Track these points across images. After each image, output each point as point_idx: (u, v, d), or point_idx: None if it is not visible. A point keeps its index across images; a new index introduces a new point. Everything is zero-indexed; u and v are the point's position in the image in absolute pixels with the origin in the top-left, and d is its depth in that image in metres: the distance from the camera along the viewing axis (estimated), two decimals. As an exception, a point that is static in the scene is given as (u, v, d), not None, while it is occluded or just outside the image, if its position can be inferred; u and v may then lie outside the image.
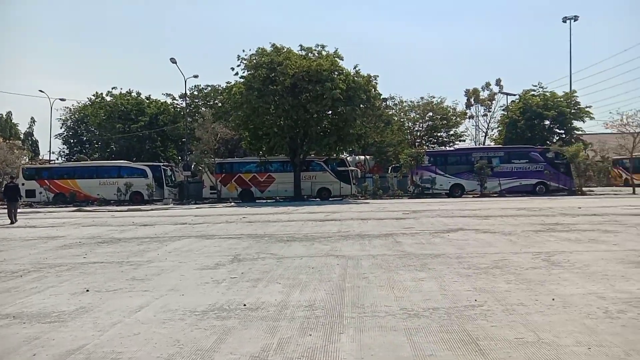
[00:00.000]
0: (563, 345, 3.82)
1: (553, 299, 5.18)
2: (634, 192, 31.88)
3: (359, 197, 32.70)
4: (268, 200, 31.79)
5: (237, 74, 30.85)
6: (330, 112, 30.73)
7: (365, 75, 30.86)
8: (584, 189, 33.32)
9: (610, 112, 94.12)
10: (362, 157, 40.50)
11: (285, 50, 30.56)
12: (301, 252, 9.02)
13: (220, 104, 38.25)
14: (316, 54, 30.85)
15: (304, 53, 30.93)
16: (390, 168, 38.02)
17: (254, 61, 29.86)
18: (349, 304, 5.24)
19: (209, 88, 46.01)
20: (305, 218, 16.66)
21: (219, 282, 6.61)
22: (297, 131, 30.50)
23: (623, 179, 40.39)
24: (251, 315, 4.96)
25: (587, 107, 40.75)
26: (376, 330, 4.35)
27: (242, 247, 9.90)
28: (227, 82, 33.94)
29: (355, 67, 30.89)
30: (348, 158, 36.44)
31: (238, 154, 39.58)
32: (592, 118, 40.80)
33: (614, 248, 8.46)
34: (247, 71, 30.04)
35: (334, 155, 32.27)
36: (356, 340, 4.11)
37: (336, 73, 29.47)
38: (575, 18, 47.48)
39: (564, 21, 48.11)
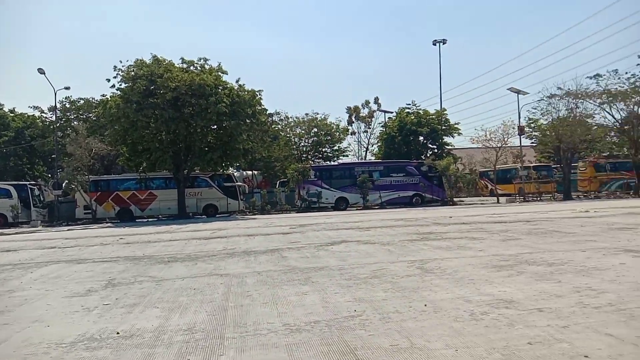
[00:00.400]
0: (433, 349, 4.06)
1: (425, 305, 5.49)
2: (498, 201, 35.15)
3: (247, 212, 32.43)
4: (149, 219, 30.37)
5: (113, 86, 29.24)
6: (215, 126, 30.22)
7: (250, 90, 30.85)
8: (455, 199, 36.07)
9: (475, 129, 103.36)
10: (250, 172, 40.32)
11: (166, 62, 29.60)
12: (183, 273, 8.69)
13: (95, 118, 35.98)
14: (199, 68, 30.27)
15: (185, 66, 30.20)
16: (277, 183, 38.25)
17: (132, 73, 28.52)
18: (231, 324, 5.13)
19: (82, 101, 43.13)
20: (189, 237, 16.13)
21: (90, 309, 6.14)
22: (180, 146, 29.58)
23: (489, 190, 44.30)
24: (125, 344, 4.65)
25: (455, 124, 44.39)
26: (257, 349, 4.30)
27: (117, 270, 9.31)
28: (103, 95, 32.06)
29: (237, 81, 30.79)
30: (235, 173, 36.03)
31: (115, 170, 37.37)
32: (460, 134, 44.50)
33: (480, 254, 9.21)
34: (125, 83, 28.59)
35: (220, 170, 31.71)
36: (236, 360, 4.03)
37: (220, 88, 29.13)
38: (444, 41, 51.61)
39: (434, 44, 52.09)
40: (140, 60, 29.22)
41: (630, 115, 36.64)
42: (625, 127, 37.14)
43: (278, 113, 45.25)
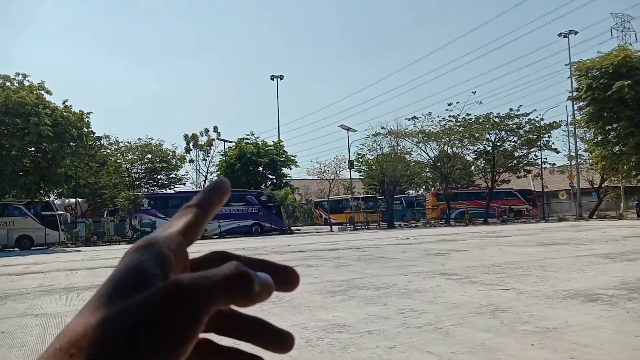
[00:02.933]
0: (271, 379, 4.04)
1: (264, 335, 5.47)
2: (331, 230, 36.97)
3: (69, 244, 29.39)
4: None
5: None
6: (32, 149, 27.09)
7: (77, 111, 28.45)
8: (292, 228, 37.11)
9: (311, 161, 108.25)
10: (73, 200, 36.79)
11: None
12: (-13, 314, 7.50)
13: None
14: (16, 84, 27.05)
15: (0, 81, 26.80)
16: (105, 212, 35.47)
17: None
18: (47, 371, 4.53)
19: None
20: (-3, 273, 14.04)
21: None
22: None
23: (323, 219, 46.43)
24: None
25: (293, 155, 46.06)
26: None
27: None
28: None
29: (64, 102, 28.20)
30: (56, 201, 32.60)
31: None
32: (297, 166, 46.20)
33: (315, 280, 9.53)
34: None
35: (37, 198, 28.37)
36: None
37: (41, 107, 26.34)
38: (281, 77, 53.80)
39: (272, 79, 54.00)
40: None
41: (441, 153, 41.82)
42: (438, 164, 42.21)
43: (107, 136, 42.30)
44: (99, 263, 16.00)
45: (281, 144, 45.90)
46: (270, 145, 44.97)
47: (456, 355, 4.39)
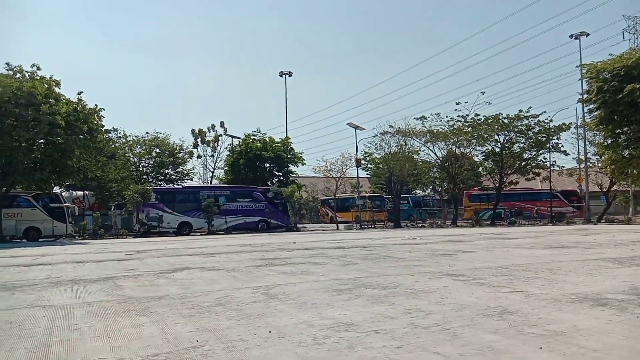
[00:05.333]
0: (278, 376, 4.04)
1: (270, 331, 5.47)
2: (337, 228, 36.97)
3: (77, 237, 29.62)
4: (-46, 243, 26.06)
5: None
6: (42, 140, 27.24)
7: (88, 105, 28.62)
8: (298, 225, 37.13)
9: (317, 159, 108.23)
10: (81, 193, 36.98)
11: None
12: (-5, 305, 7.55)
13: None
14: (27, 76, 27.19)
15: (11, 73, 26.93)
16: (113, 205, 35.65)
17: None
18: (55, 362, 4.56)
19: None
20: (6, 263, 14.17)
21: None
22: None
23: (329, 217, 46.45)
24: None
25: (300, 153, 46.08)
26: (86, 388, 3.87)
27: None
28: None
29: (79, 94, 28.42)
30: (64, 193, 32.79)
31: None
32: (304, 163, 46.22)
33: (322, 278, 9.52)
34: None
35: (48, 189, 28.58)
36: (60, 404, 3.57)
37: (52, 99, 26.48)
38: (290, 74, 53.75)
39: (281, 75, 53.97)
40: (-48, 61, 25.40)
41: (449, 153, 41.68)
42: (445, 164, 42.08)
43: (116, 130, 42.47)
44: (106, 256, 16.10)
45: (288, 141, 45.90)
46: (277, 142, 44.99)
47: (464, 357, 4.36)
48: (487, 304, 6.66)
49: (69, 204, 31.08)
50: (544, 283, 8.42)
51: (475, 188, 46.43)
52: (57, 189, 32.07)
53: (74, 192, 37.09)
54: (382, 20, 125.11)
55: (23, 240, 27.33)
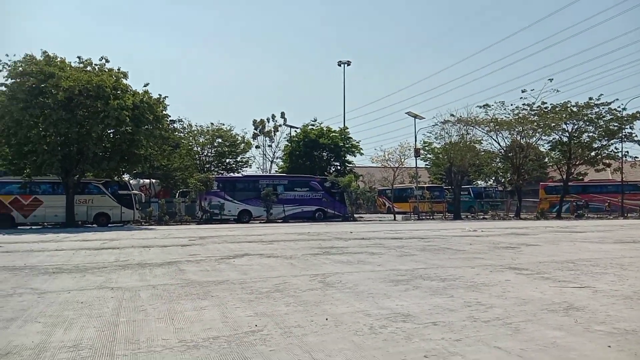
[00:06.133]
0: (334, 363, 4.05)
1: (326, 319, 5.50)
2: (394, 218, 36.66)
3: (143, 223, 30.95)
4: (33, 227, 27.92)
5: (-2, 82, 26.68)
6: (112, 131, 28.57)
7: (156, 97, 29.72)
8: (355, 215, 37.10)
9: (375, 149, 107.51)
10: (147, 181, 38.59)
11: (58, 60, 27.57)
12: (69, 285, 8.02)
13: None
14: (97, 68, 28.54)
15: (82, 66, 28.35)
16: (177, 193, 36.98)
17: (20, 69, 26.25)
18: (122, 340, 4.78)
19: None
20: (78, 247, 15.01)
21: (-43, 326, 5.44)
22: (71, 149, 27.56)
23: (386, 207, 46.12)
24: (-3, 364, 4.16)
25: (357, 142, 45.92)
26: (151, 367, 4.04)
27: (-8, 282, 8.39)
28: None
29: (145, 86, 29.58)
30: (131, 181, 34.31)
31: (-4, 173, 34.03)
32: (361, 153, 46.01)
33: (378, 268, 9.47)
34: (11, 79, 26.24)
35: (117, 177, 30.02)
36: (127, 380, 3.74)
37: (120, 91, 27.68)
38: (348, 63, 53.47)
39: (339, 65, 53.78)
40: (30, 55, 27.00)
41: (513, 143, 40.17)
42: (509, 154, 40.62)
43: (181, 120, 43.92)
44: (171, 241, 16.73)
45: (346, 130, 45.83)
46: (334, 131, 45.06)
47: (526, 352, 4.21)
48: (552, 299, 6.40)
49: (136, 192, 32.52)
50: (613, 279, 7.98)
51: (552, 179, 44.45)
52: (125, 177, 33.52)
53: (141, 180, 38.72)
54: (444, 5, 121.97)
55: (93, 225, 28.88)
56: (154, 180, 39.03)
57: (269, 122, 49.43)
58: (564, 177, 39.59)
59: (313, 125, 45.53)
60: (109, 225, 29.10)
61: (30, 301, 6.71)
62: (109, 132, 28.59)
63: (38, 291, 7.46)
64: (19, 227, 27.49)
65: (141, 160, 30.28)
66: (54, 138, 26.79)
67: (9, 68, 26.38)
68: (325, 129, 44.88)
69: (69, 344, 4.67)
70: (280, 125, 49.43)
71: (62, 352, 4.43)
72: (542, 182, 43.86)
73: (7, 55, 26.94)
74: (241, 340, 4.75)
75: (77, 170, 28.19)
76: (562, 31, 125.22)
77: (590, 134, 38.62)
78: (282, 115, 49.43)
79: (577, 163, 39.59)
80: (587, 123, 37.88)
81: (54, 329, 5.25)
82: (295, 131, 47.27)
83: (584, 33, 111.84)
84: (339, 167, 43.98)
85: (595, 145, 38.80)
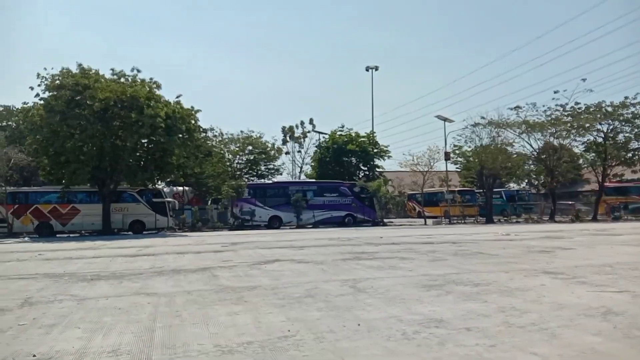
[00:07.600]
0: (367, 368, 4.07)
1: (359, 324, 5.52)
2: (425, 223, 36.28)
3: (177, 229, 31.50)
4: (71, 235, 28.75)
5: (37, 95, 27.59)
6: (145, 140, 29.20)
7: (186, 107, 30.29)
8: (385, 220, 36.89)
9: (403, 154, 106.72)
10: (180, 189, 39.27)
11: (93, 72, 28.40)
12: (107, 291, 8.25)
13: (15, 125, 33.84)
14: (130, 80, 29.25)
15: (116, 77, 29.11)
16: (210, 200, 37.49)
17: (57, 82, 27.13)
18: (159, 345, 4.91)
19: (1, 108, 40.59)
20: (114, 254, 15.39)
21: (4, 331, 5.67)
22: (106, 160, 28.29)
23: (416, 212, 45.67)
24: (42, 368, 4.32)
25: (386, 146, 45.67)
26: (188, 371, 4.13)
27: (35, 288, 8.69)
28: (24, 103, 29.95)
29: (178, 97, 30.21)
30: (165, 189, 34.98)
31: (36, 182, 35.20)
32: (390, 157, 45.74)
33: (410, 274, 9.42)
34: (49, 92, 27.16)
35: (151, 185, 30.67)
36: (165, 384, 3.84)
37: (153, 101, 28.28)
38: (376, 68, 53.30)
39: (367, 70, 53.67)
40: (66, 69, 27.90)
41: (546, 145, 39.31)
42: (542, 156, 39.77)
43: (212, 129, 44.57)
44: (205, 247, 16.99)
45: (374, 135, 45.72)
46: (362, 137, 44.99)
47: (563, 358, 4.14)
48: (589, 304, 6.26)
49: (170, 199, 33.12)
50: (655, 284, 7.75)
51: (614, 180, 42.86)
52: (159, 185, 34.18)
53: (175, 188, 39.40)
54: (474, 6, 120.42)
55: (129, 233, 29.54)
56: (187, 188, 39.71)
57: (297, 128, 49.72)
58: (599, 178, 38.54)
59: (341, 131, 45.60)
60: (144, 232, 29.71)
61: (70, 307, 6.94)
62: (143, 142, 29.20)
63: (77, 298, 7.70)
64: (57, 235, 28.35)
65: (173, 169, 30.84)
66: (89, 149, 27.53)
67: (47, 82, 27.30)
68: (353, 134, 44.89)
69: (108, 349, 4.82)
70: (309, 132, 49.65)
71: (101, 357, 4.58)
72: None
73: (45, 69, 27.74)
74: (274, 345, 4.81)
75: (111, 180, 28.90)
76: (596, 29, 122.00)
77: (627, 135, 37.51)
78: (311, 121, 49.63)
79: (613, 164, 38.48)
80: (623, 123, 36.82)
81: (94, 334, 5.43)
82: (324, 137, 47.39)
83: (619, 30, 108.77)
84: (367, 172, 43.86)
85: (631, 146, 37.65)
